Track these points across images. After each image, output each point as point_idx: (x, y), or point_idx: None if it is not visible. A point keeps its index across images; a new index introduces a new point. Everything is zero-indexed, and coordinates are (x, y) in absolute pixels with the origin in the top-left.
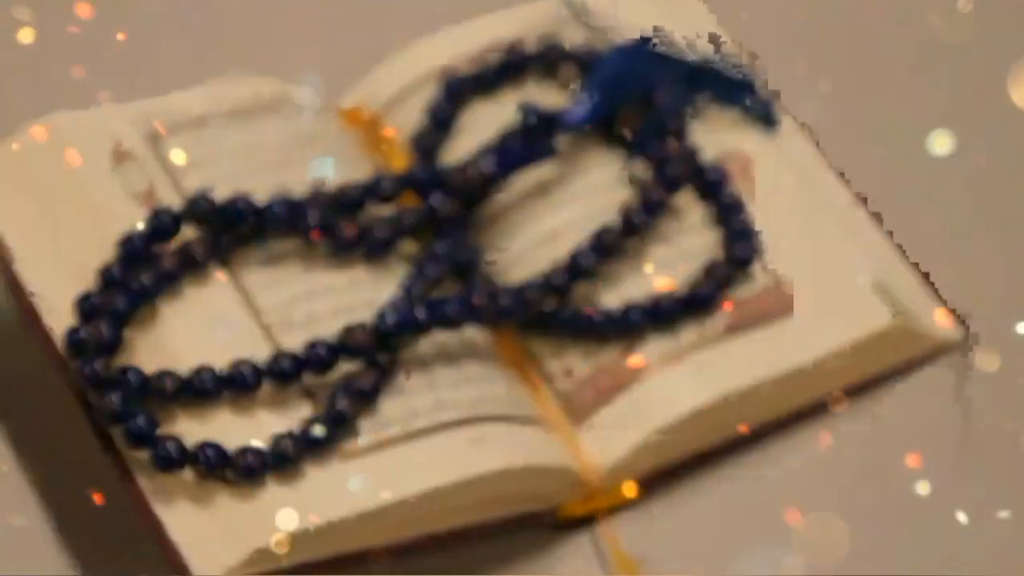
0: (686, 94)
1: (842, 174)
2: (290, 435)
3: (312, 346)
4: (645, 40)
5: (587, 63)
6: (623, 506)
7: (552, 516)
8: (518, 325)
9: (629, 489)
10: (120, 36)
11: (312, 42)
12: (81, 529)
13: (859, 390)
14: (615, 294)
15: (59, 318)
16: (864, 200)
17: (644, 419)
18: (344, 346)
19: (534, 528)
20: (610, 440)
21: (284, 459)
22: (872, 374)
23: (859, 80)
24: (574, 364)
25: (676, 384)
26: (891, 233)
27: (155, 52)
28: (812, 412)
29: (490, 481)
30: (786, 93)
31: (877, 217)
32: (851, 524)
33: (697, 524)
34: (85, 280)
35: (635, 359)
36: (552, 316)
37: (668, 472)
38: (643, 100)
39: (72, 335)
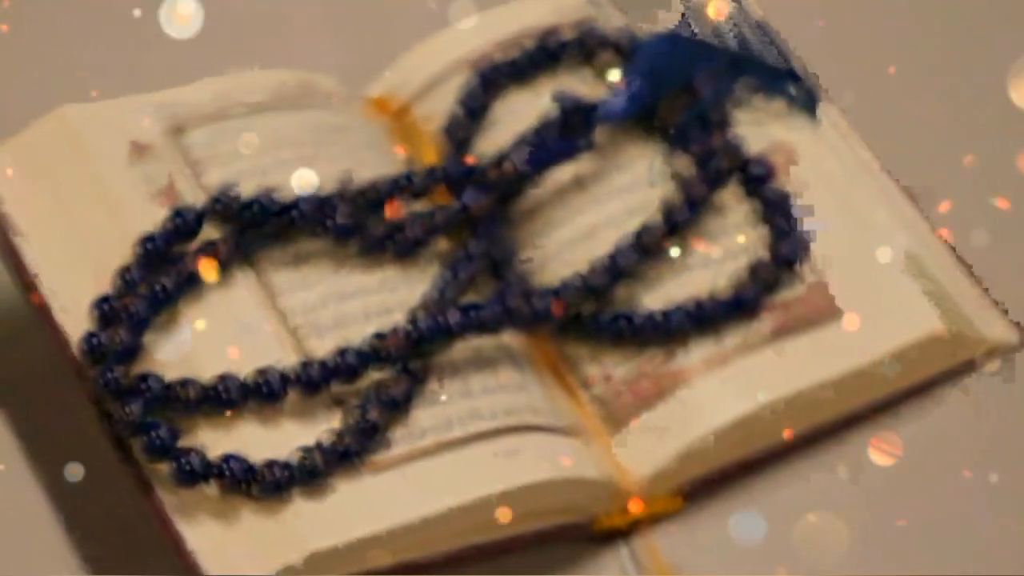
0: (729, 83)
1: (884, 171)
2: (318, 447)
3: (341, 353)
4: (685, 26)
5: (626, 51)
6: (663, 517)
7: (590, 527)
8: (554, 328)
9: (669, 500)
10: (133, 27)
11: (335, 30)
12: (93, 532)
13: (910, 395)
14: (656, 295)
15: (74, 319)
16: (911, 195)
17: (685, 427)
18: (375, 353)
19: (571, 540)
20: (649, 449)
21: (312, 473)
22: (923, 378)
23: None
24: (613, 369)
25: (720, 391)
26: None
27: (171, 44)
28: (860, 418)
29: (525, 494)
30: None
31: (925, 213)
32: (898, 531)
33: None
34: (102, 279)
35: (677, 364)
36: (590, 319)
37: (710, 480)
38: (684, 90)
39: (89, 340)
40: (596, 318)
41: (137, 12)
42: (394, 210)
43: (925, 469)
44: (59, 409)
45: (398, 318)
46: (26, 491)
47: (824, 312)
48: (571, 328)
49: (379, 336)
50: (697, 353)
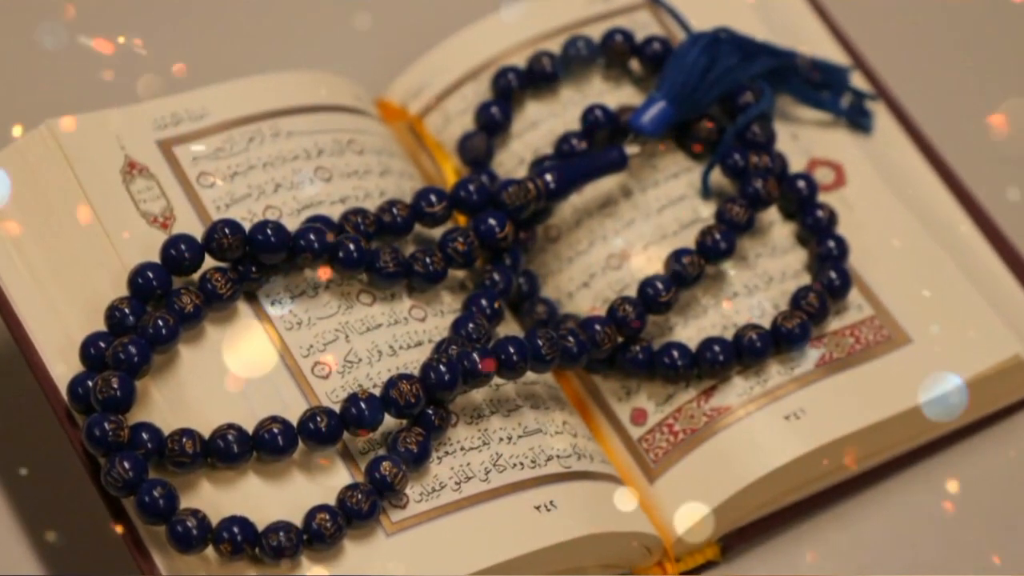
0: (772, 93)
1: (950, 176)
2: (326, 507)
3: (353, 401)
4: (725, 30)
5: (660, 56)
6: (706, 566)
7: None
8: (582, 364)
9: (712, 550)
10: (133, 29)
11: (349, 26)
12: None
13: (972, 431)
14: (692, 327)
15: (61, 358)
16: (975, 209)
17: (727, 475)
18: (389, 400)
19: None
20: (689, 499)
21: (321, 536)
22: (988, 412)
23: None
24: (646, 408)
25: (764, 433)
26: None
27: (169, 45)
28: (919, 455)
29: (559, 552)
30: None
31: (991, 228)
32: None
33: None
34: (93, 313)
35: (716, 402)
36: (621, 353)
37: (757, 526)
38: (725, 98)
39: (77, 386)
40: (627, 352)
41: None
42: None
43: (995, 513)
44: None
45: (414, 358)
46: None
47: (878, 343)
48: (600, 364)
49: (393, 383)
50: (738, 390)
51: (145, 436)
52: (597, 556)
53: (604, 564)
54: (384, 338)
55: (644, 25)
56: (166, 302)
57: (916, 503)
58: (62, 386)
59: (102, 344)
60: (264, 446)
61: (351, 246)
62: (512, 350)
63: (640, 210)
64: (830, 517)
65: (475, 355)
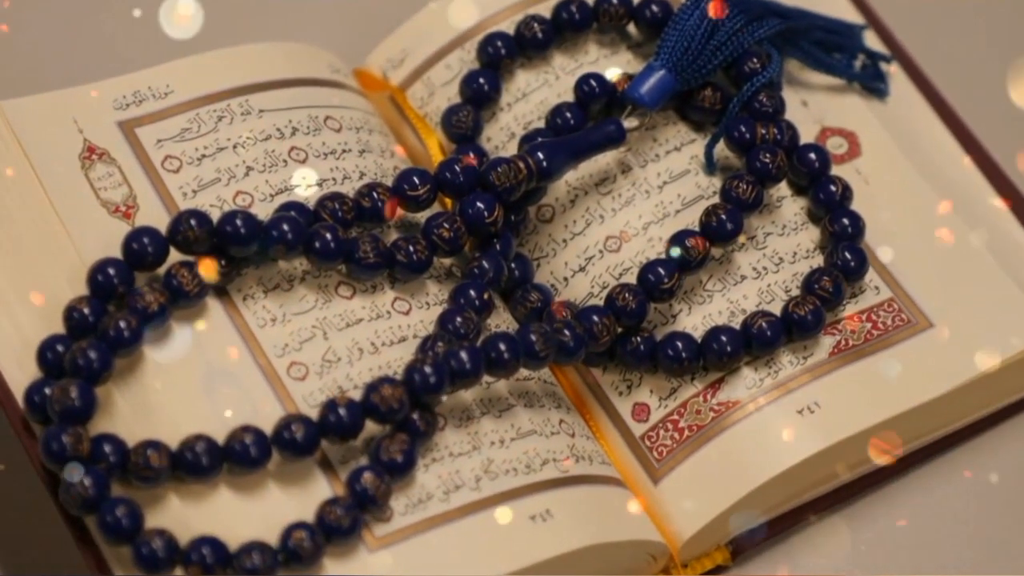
0: (780, 58)
1: (973, 144)
2: (304, 524)
3: (332, 408)
4: None
5: (660, 20)
6: (716, 571)
7: None
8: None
9: (721, 554)
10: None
11: None
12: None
13: (1000, 419)
14: (697, 315)
15: (17, 361)
16: (1001, 180)
17: (737, 475)
18: (370, 406)
19: None
20: (696, 501)
21: (297, 556)
22: (1016, 399)
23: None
24: (649, 403)
25: (776, 429)
26: None
27: (134, 19)
28: (942, 446)
29: (557, 565)
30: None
31: (1018, 201)
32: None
33: None
34: (48, 314)
35: (724, 396)
36: (621, 344)
37: (769, 527)
38: (730, 65)
39: (34, 394)
40: (627, 344)
41: None
42: (392, 210)
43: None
44: None
45: (398, 355)
46: None
47: (897, 327)
48: (599, 357)
49: (375, 387)
50: (747, 383)
51: (107, 448)
52: (598, 566)
53: (606, 574)
54: (365, 334)
55: None
56: (128, 301)
57: (938, 499)
58: (19, 394)
59: (60, 348)
60: (235, 458)
61: (327, 236)
62: (503, 347)
63: (639, 187)
64: (848, 516)
65: (453, 357)
